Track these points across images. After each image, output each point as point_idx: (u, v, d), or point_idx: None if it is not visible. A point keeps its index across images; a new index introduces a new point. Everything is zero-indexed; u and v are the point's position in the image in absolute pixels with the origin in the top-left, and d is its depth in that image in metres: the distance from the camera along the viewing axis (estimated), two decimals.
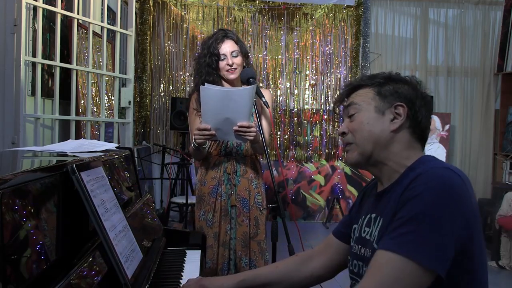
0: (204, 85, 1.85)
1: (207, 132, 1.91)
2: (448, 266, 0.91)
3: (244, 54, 2.12)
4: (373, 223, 1.08)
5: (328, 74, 5.24)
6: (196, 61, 2.17)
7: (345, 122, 1.15)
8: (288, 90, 5.24)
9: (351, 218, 1.26)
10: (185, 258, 1.61)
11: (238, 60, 2.07)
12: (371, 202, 1.15)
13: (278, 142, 5.22)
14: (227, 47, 2.06)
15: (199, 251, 1.71)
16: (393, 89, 1.10)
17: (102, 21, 3.43)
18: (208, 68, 2.06)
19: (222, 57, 2.06)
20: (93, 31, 3.11)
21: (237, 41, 2.10)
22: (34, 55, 2.60)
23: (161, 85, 5.09)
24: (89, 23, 3.02)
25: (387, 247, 0.93)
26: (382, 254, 0.93)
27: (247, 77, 2.04)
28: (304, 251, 1.35)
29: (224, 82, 2.13)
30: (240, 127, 1.92)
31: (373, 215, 1.10)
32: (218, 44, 2.05)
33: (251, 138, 1.96)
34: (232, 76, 2.08)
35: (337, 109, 1.17)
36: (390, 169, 1.08)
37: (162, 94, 5.10)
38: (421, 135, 1.10)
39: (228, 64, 2.05)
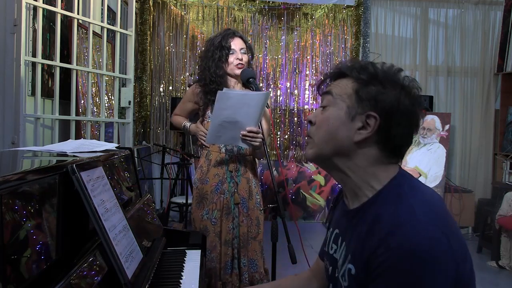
0: (221, 88, 1.91)
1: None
2: None
3: (251, 54, 2.17)
4: (340, 243, 1.01)
5: None
6: (202, 57, 2.20)
7: (317, 110, 1.02)
8: (288, 90, 5.24)
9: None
10: (185, 258, 1.61)
11: (246, 57, 2.12)
12: (339, 216, 1.07)
13: (278, 142, 5.21)
14: (238, 43, 2.11)
15: (199, 251, 1.71)
16: (375, 93, 0.94)
17: (102, 21, 3.43)
18: (217, 62, 2.09)
19: (232, 51, 2.09)
20: (93, 31, 3.11)
21: (245, 41, 2.16)
22: (34, 55, 2.60)
23: (161, 85, 5.09)
24: (89, 23, 3.02)
25: None
26: None
27: (247, 77, 2.05)
28: (301, 273, 1.28)
29: (229, 78, 2.15)
30: (248, 131, 1.92)
31: (340, 234, 1.03)
32: (229, 39, 2.10)
33: (257, 144, 1.96)
34: (238, 72, 2.10)
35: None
36: (353, 183, 0.96)
37: (162, 94, 5.10)
38: (394, 152, 0.96)
39: (238, 58, 2.08)
